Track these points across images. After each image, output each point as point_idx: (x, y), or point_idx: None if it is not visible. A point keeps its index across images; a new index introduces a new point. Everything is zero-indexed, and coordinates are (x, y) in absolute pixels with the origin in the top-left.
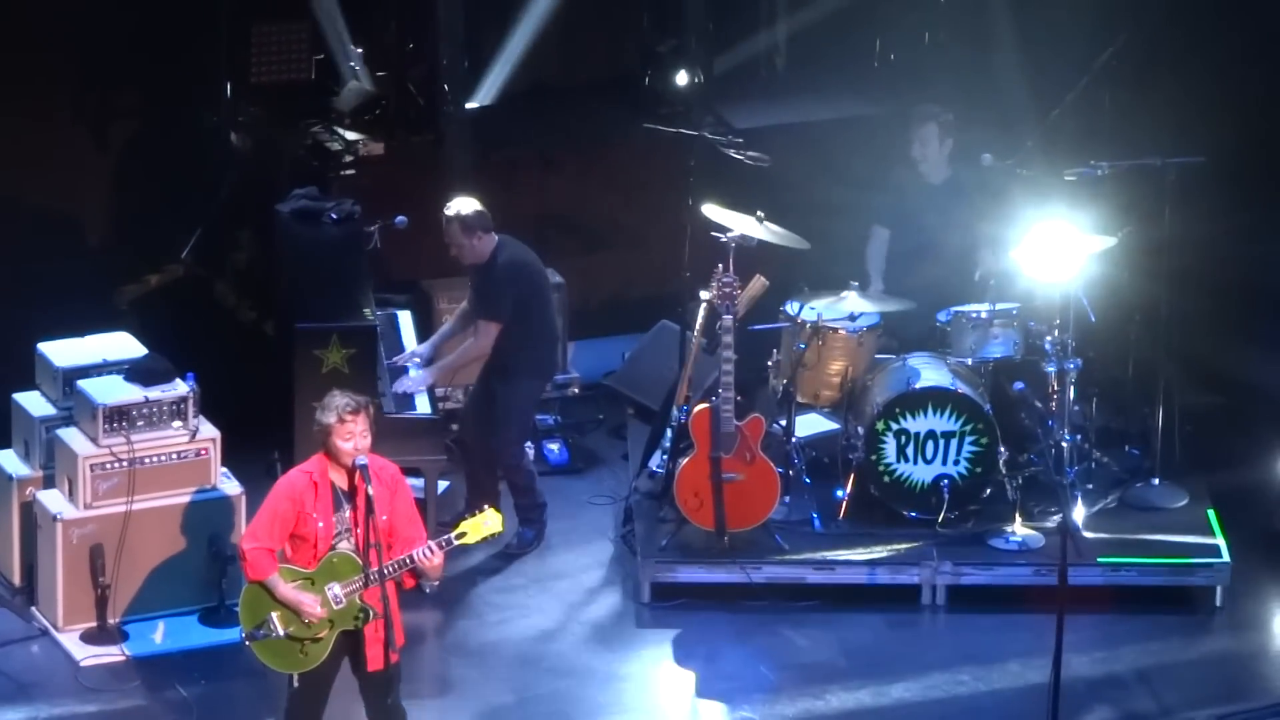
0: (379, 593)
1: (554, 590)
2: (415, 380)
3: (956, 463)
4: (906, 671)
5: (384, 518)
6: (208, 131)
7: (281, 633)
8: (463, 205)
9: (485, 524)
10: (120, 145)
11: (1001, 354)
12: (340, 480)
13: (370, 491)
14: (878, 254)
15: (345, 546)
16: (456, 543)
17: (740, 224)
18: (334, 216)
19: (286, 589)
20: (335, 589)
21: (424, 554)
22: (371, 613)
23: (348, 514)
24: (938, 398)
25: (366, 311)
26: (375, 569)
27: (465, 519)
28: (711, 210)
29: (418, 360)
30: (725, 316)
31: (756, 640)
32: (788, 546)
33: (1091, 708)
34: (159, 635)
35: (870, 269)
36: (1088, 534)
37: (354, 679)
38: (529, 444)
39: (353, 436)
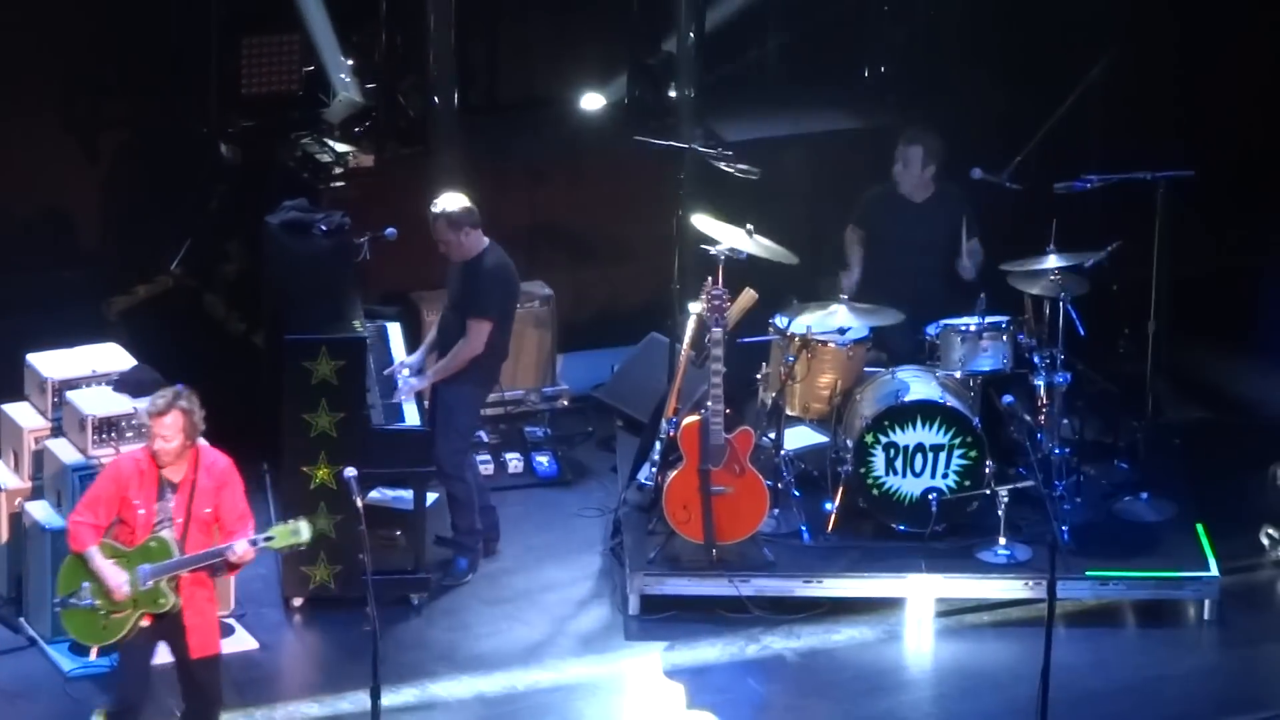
0: (192, 580)
1: (542, 602)
2: (413, 384)
3: (945, 476)
4: (894, 685)
5: (207, 510)
6: (197, 143)
7: (91, 601)
8: (449, 202)
9: (294, 533)
10: (110, 156)
11: (990, 367)
12: (170, 471)
13: (359, 503)
14: (852, 246)
15: (166, 534)
16: (263, 544)
17: (730, 236)
18: (323, 228)
19: (101, 561)
20: (145, 570)
21: (230, 549)
22: (175, 601)
23: (171, 503)
24: (926, 411)
25: (356, 323)
26: (184, 556)
27: (278, 525)
28: (702, 222)
29: (408, 370)
30: (714, 329)
31: (745, 653)
32: (776, 559)
33: None
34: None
35: (850, 260)
36: (1076, 547)
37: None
38: (518, 456)
39: (157, 438)
